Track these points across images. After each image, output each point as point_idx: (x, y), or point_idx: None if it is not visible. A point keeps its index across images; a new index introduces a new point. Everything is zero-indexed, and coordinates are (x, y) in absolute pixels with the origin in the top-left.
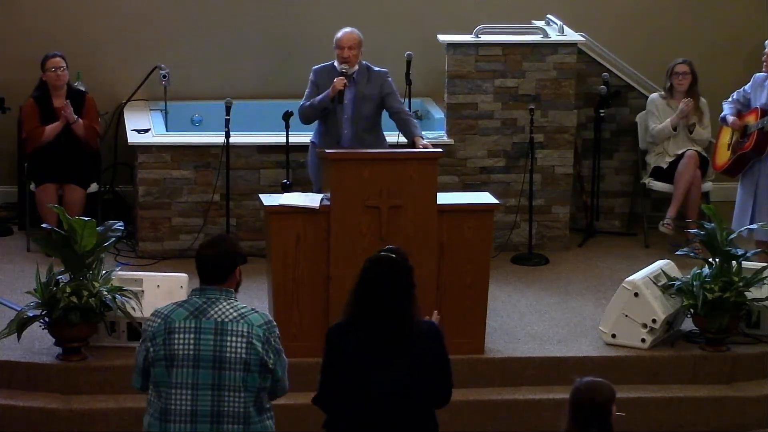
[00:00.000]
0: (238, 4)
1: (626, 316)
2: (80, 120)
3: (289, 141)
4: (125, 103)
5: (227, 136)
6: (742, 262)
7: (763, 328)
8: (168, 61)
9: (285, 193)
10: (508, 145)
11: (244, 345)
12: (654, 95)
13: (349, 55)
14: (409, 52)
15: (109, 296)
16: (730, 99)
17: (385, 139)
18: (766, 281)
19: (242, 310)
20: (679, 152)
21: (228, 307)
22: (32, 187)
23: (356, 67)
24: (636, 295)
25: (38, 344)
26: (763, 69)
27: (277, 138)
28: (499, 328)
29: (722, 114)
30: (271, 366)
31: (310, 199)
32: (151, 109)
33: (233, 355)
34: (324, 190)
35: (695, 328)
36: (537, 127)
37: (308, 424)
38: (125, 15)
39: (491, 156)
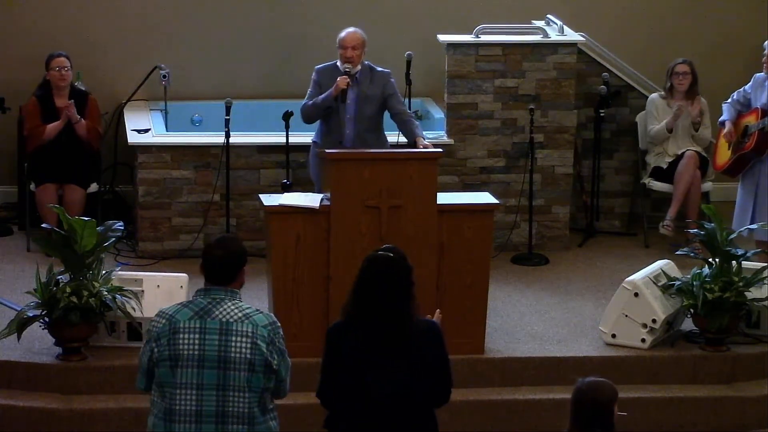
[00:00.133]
0: (238, 4)
1: (626, 316)
2: (83, 120)
3: (289, 141)
4: (125, 103)
5: (227, 136)
6: (742, 262)
7: (763, 328)
8: (168, 61)
9: (285, 193)
10: (508, 145)
11: (248, 345)
12: (654, 95)
13: (352, 55)
14: (409, 52)
15: (109, 296)
16: (730, 99)
17: (387, 140)
18: (766, 281)
19: (247, 311)
20: (679, 152)
21: (233, 307)
22: (32, 187)
23: (359, 67)
24: (636, 295)
25: (38, 344)
26: (764, 70)
27: (277, 138)
28: (499, 328)
29: (721, 118)
30: (275, 366)
31: (310, 199)
32: (151, 109)
33: (238, 355)
34: (324, 190)
35: (695, 328)
36: (537, 127)
37: (308, 424)
38: (125, 15)
39: (491, 156)
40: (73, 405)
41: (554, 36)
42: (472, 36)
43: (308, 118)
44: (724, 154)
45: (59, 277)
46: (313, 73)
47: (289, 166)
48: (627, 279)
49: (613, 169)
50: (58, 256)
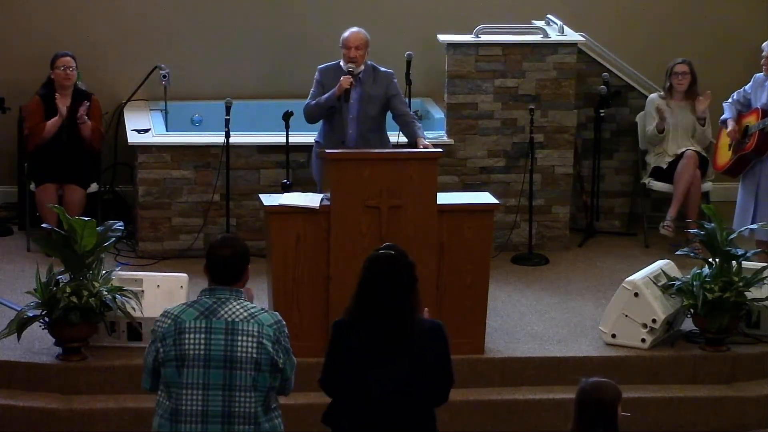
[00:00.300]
0: (238, 4)
1: (626, 316)
2: (88, 121)
3: (289, 141)
4: (125, 103)
5: (227, 136)
6: (742, 262)
7: (763, 328)
8: (168, 61)
9: (285, 193)
10: (508, 145)
11: (254, 345)
12: (653, 95)
13: (356, 55)
14: (409, 52)
15: (109, 296)
16: (730, 99)
17: (389, 140)
18: (766, 281)
19: (252, 310)
20: (679, 152)
21: (238, 307)
22: (32, 187)
23: (362, 66)
24: (636, 295)
25: (38, 344)
26: (763, 71)
27: (277, 138)
28: (499, 328)
29: (723, 117)
30: (281, 365)
31: (310, 199)
32: (151, 109)
33: (244, 354)
34: (324, 190)
35: (695, 328)
36: (537, 127)
37: (308, 424)
38: (125, 15)
39: (491, 156)
40: (73, 405)
41: (554, 36)
42: (472, 36)
43: (311, 117)
44: (724, 155)
45: (59, 277)
46: (316, 73)
47: (289, 166)
48: (627, 279)
49: (613, 169)
50: (58, 256)
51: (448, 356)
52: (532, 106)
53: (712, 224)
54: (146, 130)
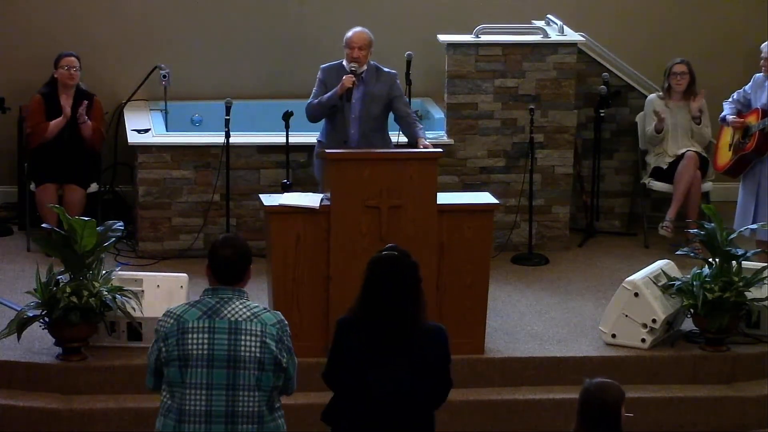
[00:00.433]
0: (238, 4)
1: (626, 316)
2: (89, 121)
3: (289, 141)
4: (125, 103)
5: (227, 136)
6: (742, 262)
7: (763, 328)
8: (168, 61)
9: (285, 193)
10: (508, 145)
11: (258, 344)
12: (652, 96)
13: (359, 55)
14: (409, 52)
15: (109, 296)
16: (730, 99)
17: (391, 140)
18: (766, 281)
19: (255, 310)
20: (679, 152)
21: (241, 306)
22: (32, 187)
23: (365, 66)
24: (636, 295)
25: (38, 344)
26: (763, 72)
27: (277, 138)
28: (499, 328)
29: (722, 114)
30: (284, 365)
31: (310, 199)
32: (151, 109)
33: (247, 354)
34: (324, 190)
35: (695, 328)
36: (537, 127)
37: (308, 424)
38: (125, 15)
39: (491, 156)
40: (73, 405)
41: (554, 36)
42: (472, 36)
43: (313, 116)
44: (725, 155)
45: (59, 277)
46: (319, 72)
47: (289, 166)
48: (627, 279)
49: (613, 169)
50: (58, 256)
51: (448, 358)
52: (532, 106)
53: (712, 224)
54: (146, 130)
